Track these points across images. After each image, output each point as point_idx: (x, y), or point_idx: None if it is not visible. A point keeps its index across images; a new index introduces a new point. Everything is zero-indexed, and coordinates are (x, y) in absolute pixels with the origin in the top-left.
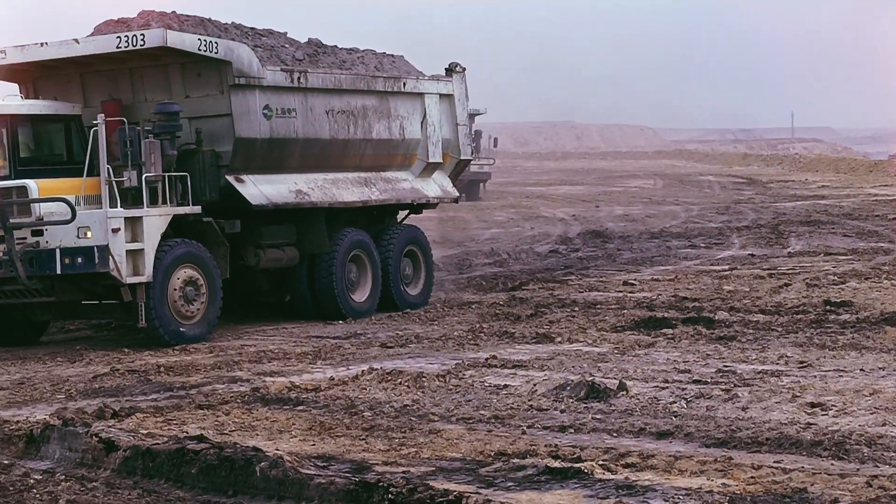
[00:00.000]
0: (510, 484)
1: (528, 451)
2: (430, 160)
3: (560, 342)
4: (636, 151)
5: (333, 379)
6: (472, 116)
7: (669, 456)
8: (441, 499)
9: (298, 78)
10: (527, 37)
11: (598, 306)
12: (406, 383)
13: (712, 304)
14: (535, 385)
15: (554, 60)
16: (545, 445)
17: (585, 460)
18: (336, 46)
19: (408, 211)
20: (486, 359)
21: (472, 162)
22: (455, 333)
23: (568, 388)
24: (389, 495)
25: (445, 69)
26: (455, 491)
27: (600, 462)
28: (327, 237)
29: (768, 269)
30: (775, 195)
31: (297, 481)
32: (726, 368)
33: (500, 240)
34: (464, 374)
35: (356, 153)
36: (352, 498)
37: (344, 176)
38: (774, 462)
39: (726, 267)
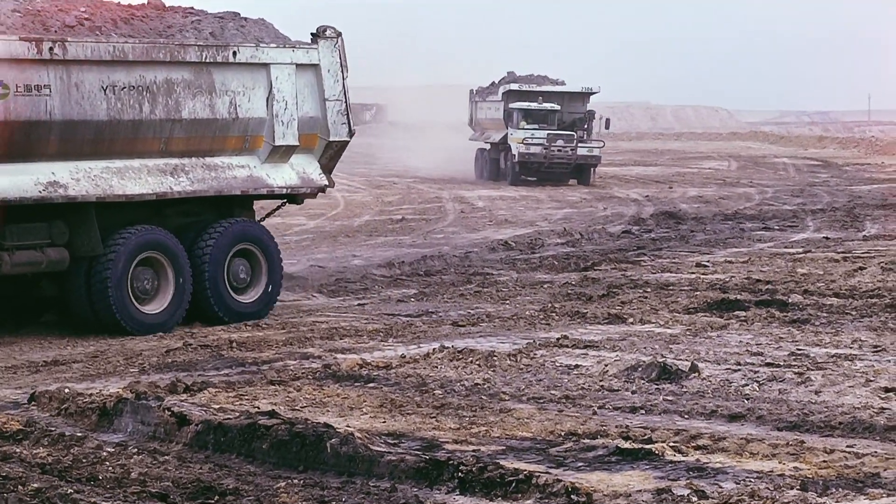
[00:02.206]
0: (580, 464)
1: (599, 431)
2: (278, 143)
3: (632, 323)
4: (710, 133)
5: (405, 357)
6: (585, 95)
7: (741, 439)
8: (511, 478)
9: (51, 48)
10: (603, 13)
11: (671, 287)
12: (477, 362)
13: (786, 286)
14: (606, 366)
15: (629, 38)
16: (616, 426)
17: (656, 442)
18: (173, 8)
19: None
20: (558, 338)
21: (581, 145)
22: (526, 313)
23: (639, 369)
24: (459, 473)
25: (311, 34)
26: (525, 470)
27: (671, 444)
28: (100, 237)
29: (843, 253)
30: (851, 178)
31: (368, 458)
32: (799, 352)
33: (573, 220)
34: (535, 354)
35: (158, 136)
36: (422, 475)
37: (140, 163)
38: (847, 446)
39: (800, 250)
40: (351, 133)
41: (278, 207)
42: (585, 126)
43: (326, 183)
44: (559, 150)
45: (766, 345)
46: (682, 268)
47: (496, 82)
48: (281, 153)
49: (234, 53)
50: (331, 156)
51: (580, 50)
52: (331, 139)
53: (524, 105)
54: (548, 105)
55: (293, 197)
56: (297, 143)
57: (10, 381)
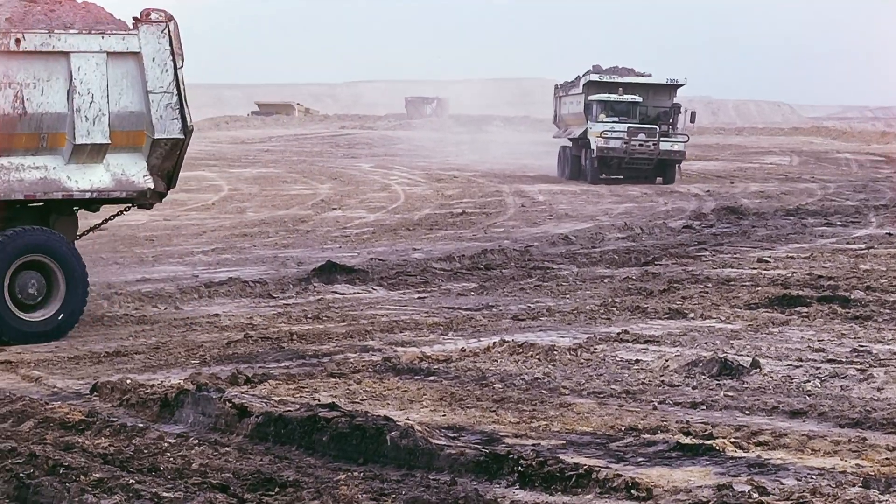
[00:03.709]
0: (640, 459)
1: (659, 426)
2: (81, 141)
3: (693, 318)
4: (772, 127)
5: (465, 350)
6: (671, 88)
7: (802, 435)
8: (571, 472)
9: None
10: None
11: (732, 283)
12: (537, 356)
13: (848, 282)
14: (666, 361)
15: (690, 33)
16: (676, 421)
17: (717, 437)
18: None
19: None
20: (618, 333)
21: (663, 139)
22: (587, 307)
23: (700, 364)
24: (519, 467)
25: (133, 18)
26: (585, 465)
27: (732, 439)
28: None
29: None
30: None
31: (428, 451)
32: (861, 348)
33: (634, 214)
34: (595, 348)
35: None
36: (481, 469)
37: None
38: None
39: (863, 246)
40: (186, 130)
41: (119, 213)
42: (670, 120)
43: (151, 186)
44: (640, 145)
45: (828, 341)
46: (744, 263)
47: (580, 76)
48: (88, 152)
49: (18, 41)
50: (162, 155)
51: (641, 44)
52: (156, 136)
53: (604, 97)
54: (628, 97)
55: (140, 201)
56: (108, 142)
57: (72, 371)
